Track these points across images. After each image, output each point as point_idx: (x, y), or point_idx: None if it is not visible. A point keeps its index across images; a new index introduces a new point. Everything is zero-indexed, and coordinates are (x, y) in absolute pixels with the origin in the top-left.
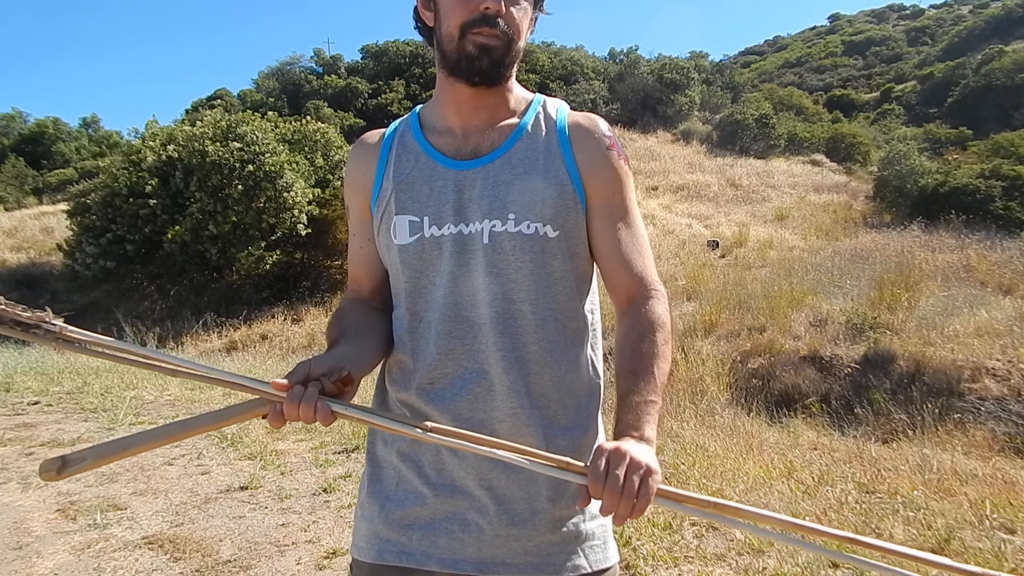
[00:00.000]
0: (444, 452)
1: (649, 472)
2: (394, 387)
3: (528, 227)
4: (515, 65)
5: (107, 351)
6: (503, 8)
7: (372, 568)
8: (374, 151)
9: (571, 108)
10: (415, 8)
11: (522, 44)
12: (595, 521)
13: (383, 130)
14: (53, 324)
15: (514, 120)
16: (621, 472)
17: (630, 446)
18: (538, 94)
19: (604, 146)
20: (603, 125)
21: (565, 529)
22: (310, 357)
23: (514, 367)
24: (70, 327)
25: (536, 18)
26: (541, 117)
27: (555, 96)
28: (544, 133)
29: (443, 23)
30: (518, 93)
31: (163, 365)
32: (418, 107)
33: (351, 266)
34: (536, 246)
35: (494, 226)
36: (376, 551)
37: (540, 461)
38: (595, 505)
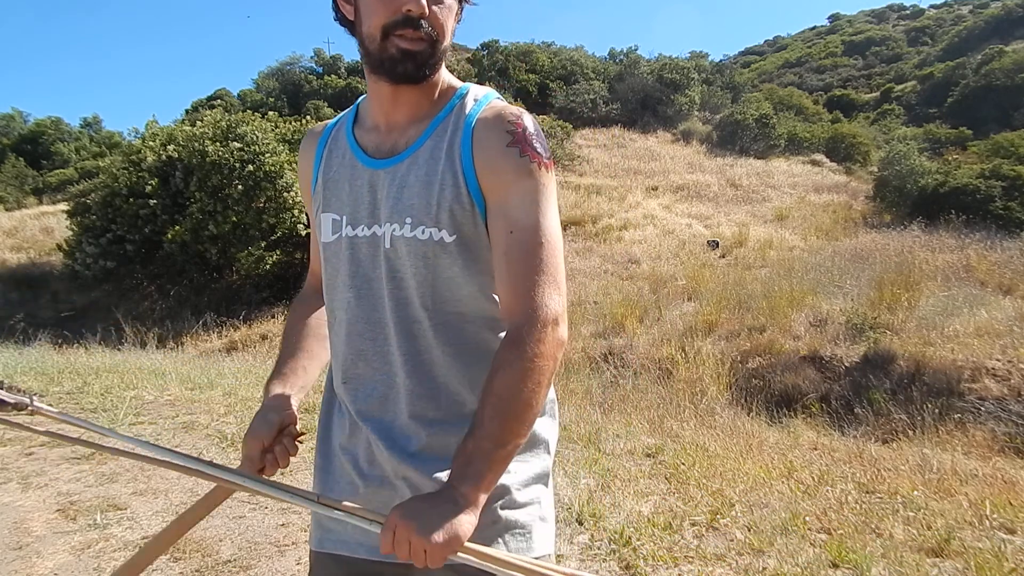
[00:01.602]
0: (375, 446)
1: (420, 546)
2: (334, 381)
3: (423, 232)
4: (441, 63)
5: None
6: (426, 9)
7: (315, 555)
8: (314, 144)
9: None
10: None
11: (447, 43)
12: (521, 510)
13: (329, 121)
14: (37, 405)
15: (431, 117)
16: (390, 536)
17: (416, 513)
18: (466, 84)
19: (503, 143)
20: (510, 120)
21: (484, 518)
22: (254, 423)
23: (417, 371)
24: (46, 407)
25: (462, 8)
26: (455, 112)
27: (554, 95)
28: (452, 130)
29: (364, 22)
30: (446, 84)
31: (133, 451)
32: (362, 98)
33: (311, 256)
34: (430, 252)
35: (394, 230)
36: (317, 539)
37: (357, 514)
38: (523, 495)
